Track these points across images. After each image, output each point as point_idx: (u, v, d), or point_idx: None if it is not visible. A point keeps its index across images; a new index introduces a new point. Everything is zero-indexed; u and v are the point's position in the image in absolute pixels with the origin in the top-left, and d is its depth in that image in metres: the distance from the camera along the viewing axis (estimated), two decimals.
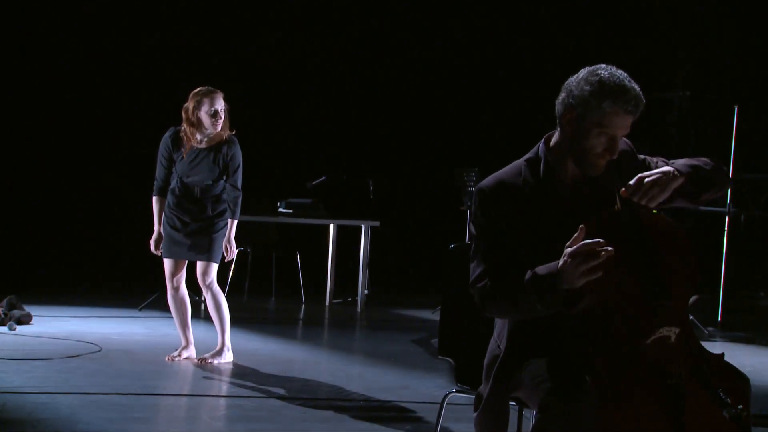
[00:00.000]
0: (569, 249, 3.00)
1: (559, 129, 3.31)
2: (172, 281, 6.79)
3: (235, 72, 11.92)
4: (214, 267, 6.76)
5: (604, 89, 3.15)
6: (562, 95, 3.27)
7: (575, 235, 3.02)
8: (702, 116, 13.85)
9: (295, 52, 12.58)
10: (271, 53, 12.45)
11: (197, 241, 6.68)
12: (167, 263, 6.78)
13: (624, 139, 3.32)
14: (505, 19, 13.27)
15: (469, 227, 3.39)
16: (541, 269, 3.09)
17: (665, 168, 3.18)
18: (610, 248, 2.96)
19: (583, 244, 2.97)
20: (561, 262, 3.02)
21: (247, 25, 12.37)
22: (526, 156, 3.36)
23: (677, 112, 13.76)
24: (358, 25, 12.84)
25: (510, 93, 13.00)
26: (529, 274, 3.11)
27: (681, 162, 3.28)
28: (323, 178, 10.43)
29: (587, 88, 3.18)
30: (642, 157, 3.42)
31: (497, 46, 13.24)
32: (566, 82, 3.28)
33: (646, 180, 3.13)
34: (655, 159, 3.40)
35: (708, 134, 13.72)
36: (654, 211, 3.30)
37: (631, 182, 3.14)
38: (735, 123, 9.39)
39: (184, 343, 6.90)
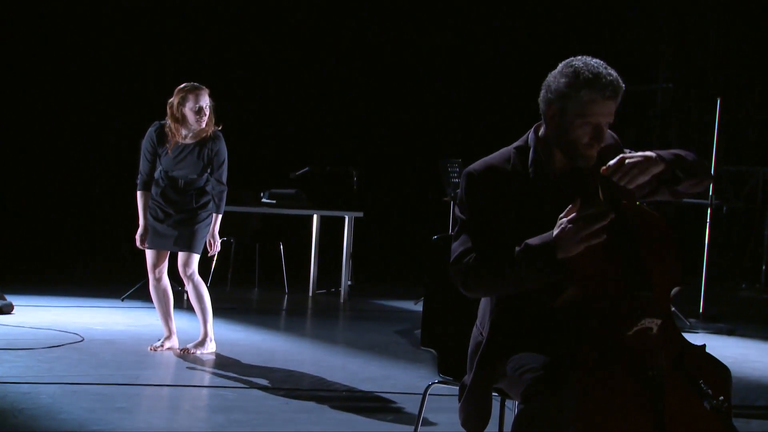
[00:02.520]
0: (566, 218, 3.05)
1: (545, 124, 3.31)
2: (154, 272, 6.78)
3: (219, 63, 11.89)
4: (196, 258, 6.75)
5: (579, 79, 3.17)
6: (542, 92, 3.29)
7: (568, 207, 3.06)
8: (684, 108, 13.91)
9: (278, 44, 12.55)
10: (255, 45, 12.42)
11: (180, 232, 6.67)
12: (149, 254, 6.76)
13: (610, 132, 3.34)
14: (487, 12, 13.27)
15: (455, 210, 3.39)
16: (533, 240, 3.12)
17: (647, 153, 3.18)
18: (611, 215, 3.03)
19: (586, 210, 3.03)
20: (557, 230, 3.07)
21: (230, 18, 12.33)
22: (516, 144, 3.37)
23: (660, 104, 13.81)
24: (341, 17, 12.82)
25: (493, 84, 13.01)
26: (521, 245, 3.13)
27: (664, 151, 3.28)
28: (306, 168, 10.41)
29: (563, 80, 3.20)
30: (629, 151, 3.42)
31: (479, 39, 13.24)
32: (546, 79, 3.29)
33: (627, 161, 3.14)
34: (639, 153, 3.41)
35: (690, 126, 13.78)
36: (637, 203, 3.31)
37: (612, 162, 3.14)
38: (717, 115, 9.41)
39: (166, 334, 6.89)
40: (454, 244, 3.29)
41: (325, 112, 12.77)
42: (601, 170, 3.15)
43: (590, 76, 3.16)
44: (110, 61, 11.72)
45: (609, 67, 3.21)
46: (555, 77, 3.24)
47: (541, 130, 3.34)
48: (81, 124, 11.64)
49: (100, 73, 11.69)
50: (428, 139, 12.91)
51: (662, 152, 3.23)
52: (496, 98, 12.85)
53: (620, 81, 3.20)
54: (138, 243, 6.76)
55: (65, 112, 11.63)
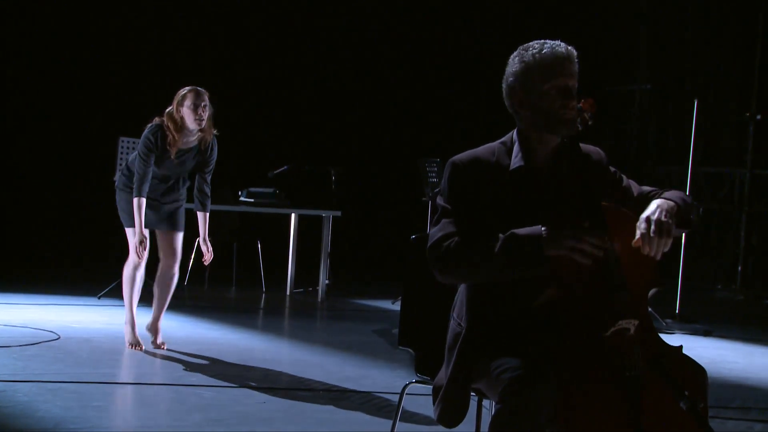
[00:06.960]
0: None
1: (519, 118, 3.35)
2: (143, 254, 6.68)
3: (198, 62, 11.86)
4: (182, 236, 6.87)
5: (528, 51, 3.29)
6: (503, 89, 3.38)
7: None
8: (662, 109, 13.97)
9: (257, 42, 12.54)
10: (233, 43, 12.40)
11: (167, 215, 6.75)
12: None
13: (597, 148, 3.37)
14: (465, 11, 13.30)
15: (436, 200, 3.37)
16: (520, 231, 3.12)
17: (671, 201, 3.21)
18: (607, 245, 3.06)
19: (592, 233, 3.05)
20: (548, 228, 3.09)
21: (208, 17, 12.31)
22: (501, 139, 3.41)
23: (638, 105, 13.86)
24: (320, 16, 12.82)
25: (472, 84, 13.03)
26: (506, 233, 3.13)
27: (673, 194, 3.28)
28: (285, 167, 10.39)
29: (516, 61, 3.32)
30: (614, 169, 3.45)
31: (458, 38, 13.26)
32: (503, 79, 3.38)
33: (652, 226, 3.14)
34: (626, 180, 3.44)
35: (668, 127, 13.85)
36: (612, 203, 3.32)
37: (640, 229, 3.14)
38: (695, 116, 9.47)
39: (129, 320, 6.82)
40: (433, 230, 3.29)
41: (304, 111, 12.76)
42: (633, 243, 3.15)
43: (536, 45, 3.29)
44: (91, 61, 11.67)
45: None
46: (509, 67, 3.35)
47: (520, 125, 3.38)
48: (60, 122, 11.58)
49: (80, 72, 11.64)
50: (407, 139, 12.92)
51: (673, 197, 3.25)
52: (475, 98, 12.87)
53: (566, 44, 3.30)
54: (139, 251, 6.65)
55: (44, 111, 11.57)
